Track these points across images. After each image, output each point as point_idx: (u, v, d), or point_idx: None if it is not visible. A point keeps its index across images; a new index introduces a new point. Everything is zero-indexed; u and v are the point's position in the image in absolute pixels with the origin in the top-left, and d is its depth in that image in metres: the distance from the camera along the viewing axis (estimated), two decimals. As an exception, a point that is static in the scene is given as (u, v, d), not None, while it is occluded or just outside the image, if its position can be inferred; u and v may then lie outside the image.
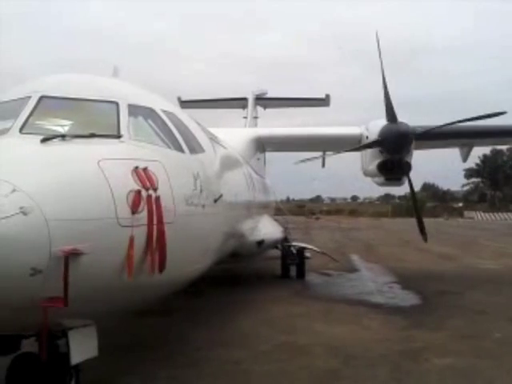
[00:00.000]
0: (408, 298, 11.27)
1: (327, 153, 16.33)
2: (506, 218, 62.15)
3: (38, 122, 4.98)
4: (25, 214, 3.57)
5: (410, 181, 12.73)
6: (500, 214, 65.53)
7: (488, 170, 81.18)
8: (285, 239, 15.09)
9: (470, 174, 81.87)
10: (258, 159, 16.44)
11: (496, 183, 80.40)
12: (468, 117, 11.44)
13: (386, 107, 11.78)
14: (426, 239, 13.09)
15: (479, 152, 73.25)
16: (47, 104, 5.17)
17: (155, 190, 4.72)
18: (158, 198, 4.72)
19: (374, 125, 12.64)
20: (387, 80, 11.65)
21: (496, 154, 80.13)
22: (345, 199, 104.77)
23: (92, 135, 4.84)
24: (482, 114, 11.08)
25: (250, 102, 21.40)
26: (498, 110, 11.01)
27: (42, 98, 5.17)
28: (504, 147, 74.80)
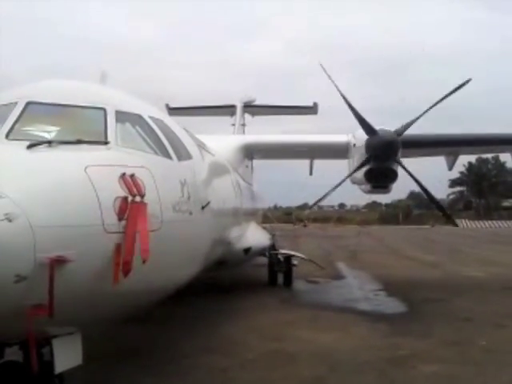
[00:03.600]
0: (394, 306, 11.32)
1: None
2: (491, 226, 62.73)
3: (24, 128, 4.94)
4: (10, 220, 3.53)
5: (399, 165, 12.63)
6: (485, 221, 66.12)
7: (473, 179, 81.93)
8: (272, 247, 15.09)
9: (455, 182, 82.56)
10: (246, 166, 16.46)
11: (481, 191, 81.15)
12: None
13: (360, 122, 11.94)
14: (455, 224, 13.29)
15: (464, 160, 73.96)
16: (34, 110, 5.14)
17: (142, 196, 4.69)
18: (144, 205, 4.70)
19: (361, 133, 12.72)
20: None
21: (481, 162, 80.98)
22: (332, 207, 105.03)
23: (79, 141, 4.82)
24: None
25: (238, 110, 21.44)
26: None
27: (28, 103, 5.14)
28: (489, 155, 75.78)
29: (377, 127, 12.28)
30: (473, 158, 76.58)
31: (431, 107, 11.71)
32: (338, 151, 14.29)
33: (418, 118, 11.88)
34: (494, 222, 65.13)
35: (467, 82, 11.39)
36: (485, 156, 74.58)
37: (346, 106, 11.98)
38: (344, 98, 11.96)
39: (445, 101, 11.59)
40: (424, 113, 11.79)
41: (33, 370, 3.98)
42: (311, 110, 20.82)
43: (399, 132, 12.03)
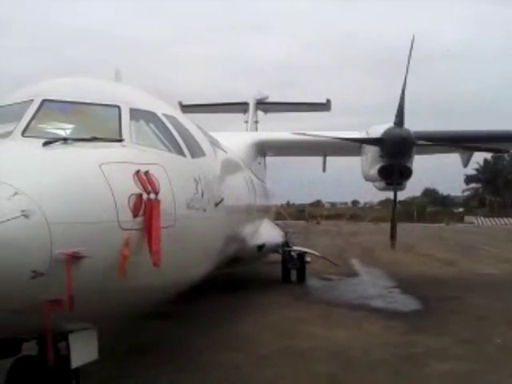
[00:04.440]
0: (408, 303, 11.26)
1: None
2: (506, 223, 62.14)
3: (40, 126, 4.99)
4: (26, 216, 3.58)
5: (395, 193, 12.79)
6: (500, 218, 65.52)
7: (488, 176, 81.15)
8: (285, 243, 15.09)
9: (470, 179, 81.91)
10: (259, 163, 16.45)
11: (496, 188, 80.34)
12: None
13: (398, 111, 11.85)
14: (393, 245, 13.23)
15: (480, 157, 73.23)
16: (49, 107, 5.18)
17: (156, 193, 4.72)
18: (159, 202, 4.72)
19: (375, 130, 12.67)
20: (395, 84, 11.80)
21: (496, 159, 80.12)
22: (345, 204, 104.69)
23: (94, 139, 4.85)
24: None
25: (251, 107, 21.43)
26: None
27: (44, 101, 5.18)
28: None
29: (384, 125, 12.26)
30: (488, 155, 75.85)
31: (404, 82, 11.71)
32: (351, 148, 14.22)
33: (402, 101, 11.77)
34: (510, 219, 64.48)
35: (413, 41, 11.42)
36: (500, 153, 73.85)
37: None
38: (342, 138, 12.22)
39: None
40: (403, 93, 11.70)
41: (50, 363, 4.03)
42: (324, 106, 20.75)
43: (397, 122, 11.92)
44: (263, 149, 15.83)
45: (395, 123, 11.97)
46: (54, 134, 5.02)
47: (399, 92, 11.94)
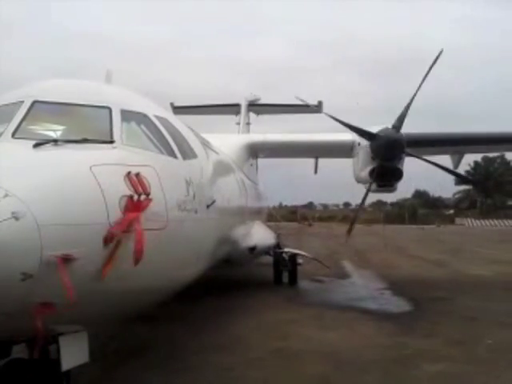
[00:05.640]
0: (399, 304, 11.29)
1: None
2: (497, 225, 62.57)
3: (30, 127, 4.97)
4: (16, 218, 3.56)
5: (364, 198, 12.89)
6: (490, 220, 65.93)
7: (479, 178, 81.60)
8: (277, 245, 15.09)
9: (460, 181, 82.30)
10: (251, 165, 16.46)
11: (487, 190, 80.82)
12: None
13: (400, 116, 11.89)
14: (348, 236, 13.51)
15: (470, 159, 73.81)
16: (40, 109, 5.16)
17: (148, 195, 4.71)
18: (150, 203, 4.71)
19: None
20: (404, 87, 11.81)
21: (487, 161, 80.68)
22: (337, 206, 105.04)
23: (84, 140, 4.84)
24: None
25: (243, 109, 21.44)
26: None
27: (34, 102, 5.16)
28: (495, 155, 75.50)
29: (379, 126, 12.29)
30: (479, 157, 76.47)
31: (417, 91, 11.61)
32: (343, 150, 14.29)
33: (408, 108, 11.77)
34: (500, 220, 64.92)
35: (440, 53, 11.25)
36: (491, 155, 74.52)
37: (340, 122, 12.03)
38: (336, 119, 12.05)
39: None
40: (412, 100, 11.68)
41: (40, 365, 4.00)
42: (316, 108, 20.77)
43: (396, 126, 11.97)
44: (255, 150, 15.85)
45: (393, 126, 12.00)
46: (45, 135, 4.99)
47: (396, 95, 12.08)
